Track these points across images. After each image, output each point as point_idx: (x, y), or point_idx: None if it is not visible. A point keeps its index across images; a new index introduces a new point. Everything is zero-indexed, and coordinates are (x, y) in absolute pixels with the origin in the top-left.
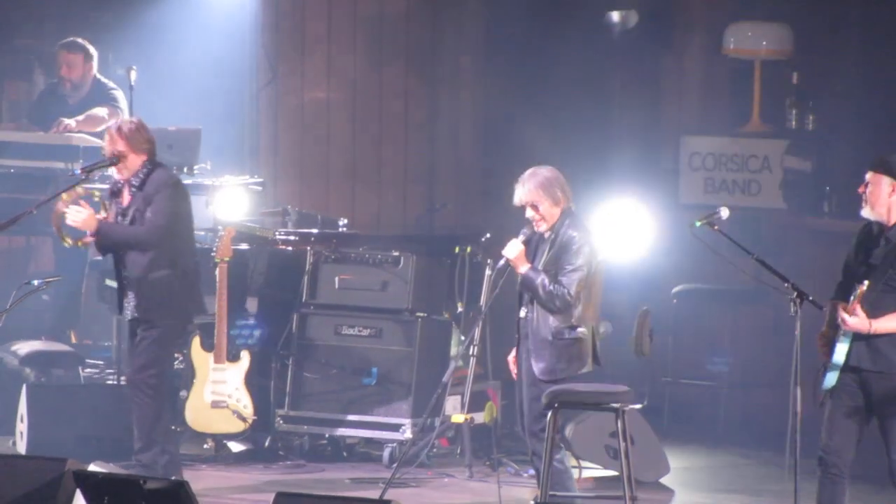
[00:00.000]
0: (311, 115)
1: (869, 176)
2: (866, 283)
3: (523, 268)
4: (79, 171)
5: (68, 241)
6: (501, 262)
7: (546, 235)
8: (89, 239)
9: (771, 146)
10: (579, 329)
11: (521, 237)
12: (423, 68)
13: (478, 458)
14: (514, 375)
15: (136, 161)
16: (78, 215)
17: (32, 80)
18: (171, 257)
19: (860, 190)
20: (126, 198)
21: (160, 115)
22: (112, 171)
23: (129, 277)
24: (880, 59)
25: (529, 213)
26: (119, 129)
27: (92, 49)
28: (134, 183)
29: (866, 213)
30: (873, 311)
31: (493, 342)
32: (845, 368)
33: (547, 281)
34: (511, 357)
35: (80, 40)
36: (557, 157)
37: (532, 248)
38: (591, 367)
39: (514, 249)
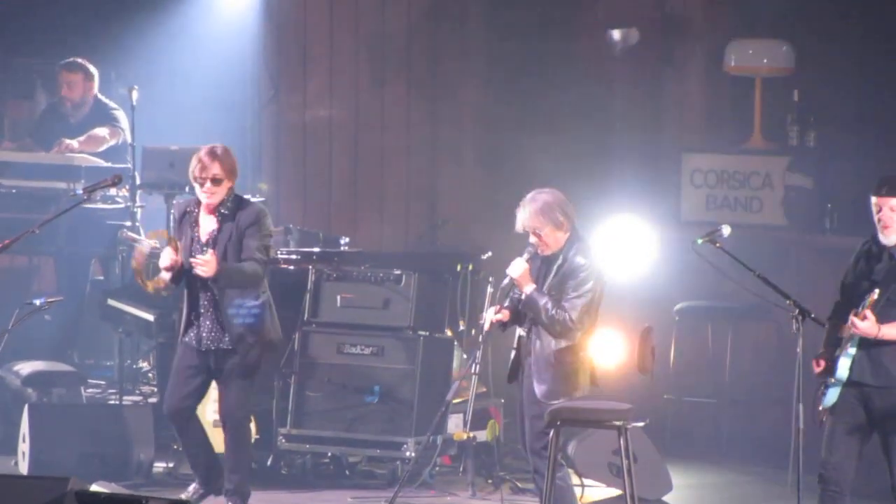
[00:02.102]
0: (312, 133)
1: (876, 201)
2: (877, 291)
3: (528, 288)
4: (81, 191)
5: (150, 287)
6: (506, 280)
7: (552, 258)
8: (166, 277)
9: (772, 163)
10: (580, 353)
11: (526, 256)
12: (425, 86)
13: (480, 476)
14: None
15: (227, 188)
16: (208, 265)
17: (35, 99)
18: (260, 287)
19: (878, 217)
20: (211, 224)
21: (162, 133)
22: (195, 195)
23: (219, 308)
24: (881, 77)
25: (532, 238)
26: (217, 152)
27: (92, 69)
28: (223, 211)
29: (885, 239)
30: (879, 322)
31: (495, 360)
32: (847, 384)
33: (550, 304)
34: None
35: (80, 60)
36: (558, 175)
37: (535, 267)
38: (589, 389)
39: (518, 268)
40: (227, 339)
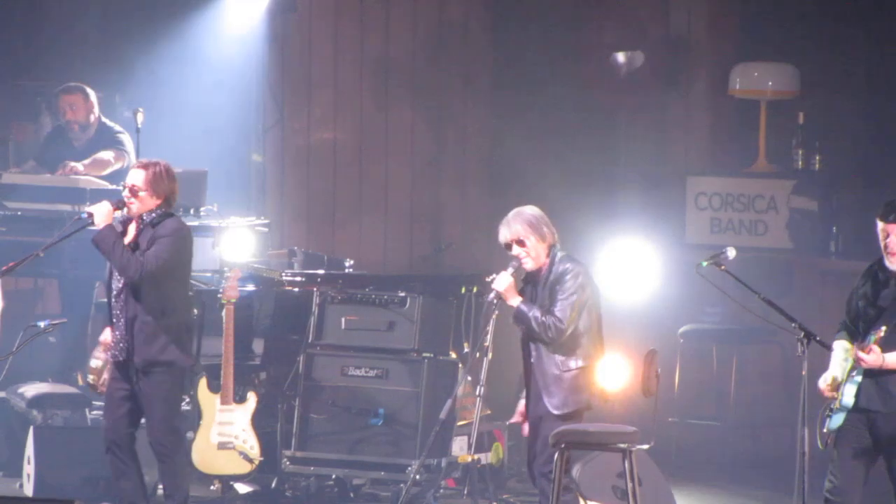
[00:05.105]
0: (317, 155)
1: (883, 226)
2: (883, 328)
3: (514, 300)
4: (86, 215)
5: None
6: (491, 295)
7: (540, 277)
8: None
9: (777, 186)
10: (584, 360)
11: (510, 269)
12: (429, 109)
13: (485, 499)
14: (523, 430)
15: (149, 203)
16: (100, 206)
17: (40, 122)
18: (161, 306)
19: (884, 244)
20: (133, 230)
21: (166, 156)
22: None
23: (128, 317)
24: (886, 99)
25: (516, 249)
26: (144, 164)
27: (90, 89)
28: (145, 219)
29: (892, 265)
30: (882, 351)
31: (500, 382)
32: (853, 409)
33: (539, 313)
34: (521, 409)
35: (74, 83)
36: (563, 198)
37: (528, 292)
38: (599, 399)
39: (503, 282)
40: (127, 351)
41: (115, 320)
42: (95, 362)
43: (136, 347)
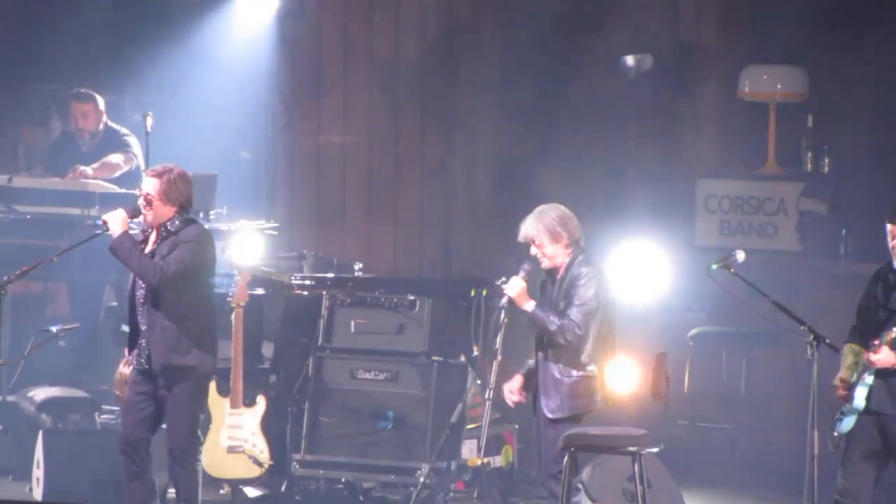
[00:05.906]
0: (326, 158)
1: (891, 228)
2: (895, 329)
3: (527, 305)
4: (101, 222)
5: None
6: (503, 300)
7: (557, 278)
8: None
9: (786, 189)
10: (588, 367)
11: (522, 273)
12: (439, 111)
13: (494, 502)
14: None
15: (165, 211)
16: (114, 214)
17: (49, 126)
18: (182, 312)
19: (892, 245)
20: (153, 239)
21: (176, 159)
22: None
23: (152, 325)
24: (895, 102)
25: (533, 249)
26: (158, 171)
27: (99, 97)
28: (170, 228)
29: None
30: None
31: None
32: (864, 411)
33: (554, 316)
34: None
35: (86, 90)
36: (573, 201)
37: (547, 290)
38: (602, 405)
39: (515, 287)
40: (148, 359)
41: (142, 327)
42: (118, 375)
43: (159, 353)
